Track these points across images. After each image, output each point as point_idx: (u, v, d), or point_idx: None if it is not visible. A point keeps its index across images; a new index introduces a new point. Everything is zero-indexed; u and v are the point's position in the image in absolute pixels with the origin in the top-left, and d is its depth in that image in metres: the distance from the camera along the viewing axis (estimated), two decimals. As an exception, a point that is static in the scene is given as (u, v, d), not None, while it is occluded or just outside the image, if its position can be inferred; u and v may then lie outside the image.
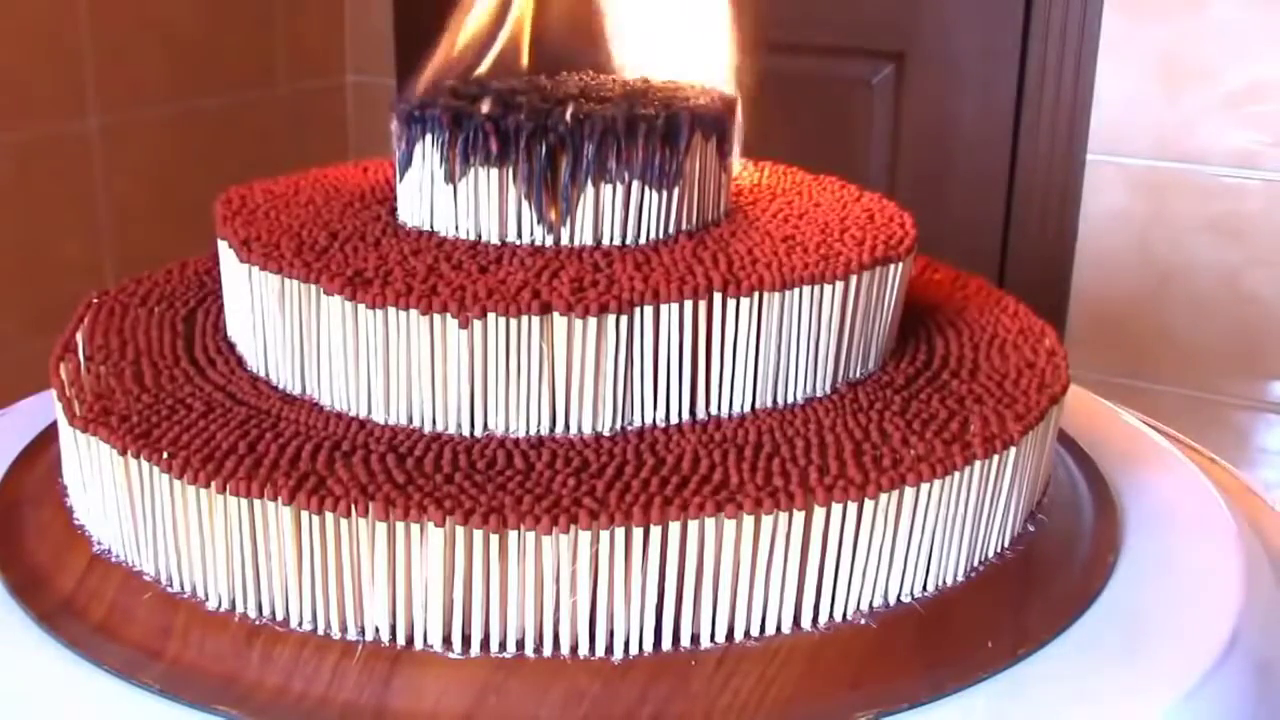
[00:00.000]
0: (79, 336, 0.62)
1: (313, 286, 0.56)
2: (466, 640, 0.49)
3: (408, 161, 0.63)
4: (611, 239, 0.61)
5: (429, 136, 0.61)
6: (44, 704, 0.50)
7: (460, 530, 0.48)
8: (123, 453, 0.53)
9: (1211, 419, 1.30)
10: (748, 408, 0.57)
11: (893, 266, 0.61)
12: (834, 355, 0.59)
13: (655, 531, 0.48)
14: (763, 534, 0.49)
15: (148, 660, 0.51)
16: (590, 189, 0.59)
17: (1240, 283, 1.27)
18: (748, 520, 0.49)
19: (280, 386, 0.59)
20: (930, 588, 0.54)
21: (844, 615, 0.52)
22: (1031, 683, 0.51)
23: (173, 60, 1.35)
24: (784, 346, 0.57)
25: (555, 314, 0.53)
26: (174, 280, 0.71)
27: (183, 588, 0.53)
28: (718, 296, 0.55)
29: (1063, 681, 0.52)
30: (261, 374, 0.60)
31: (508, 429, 0.55)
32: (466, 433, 0.55)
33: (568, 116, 0.59)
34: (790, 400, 0.58)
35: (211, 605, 0.52)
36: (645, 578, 0.49)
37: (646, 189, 0.60)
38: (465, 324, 0.53)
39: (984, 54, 1.37)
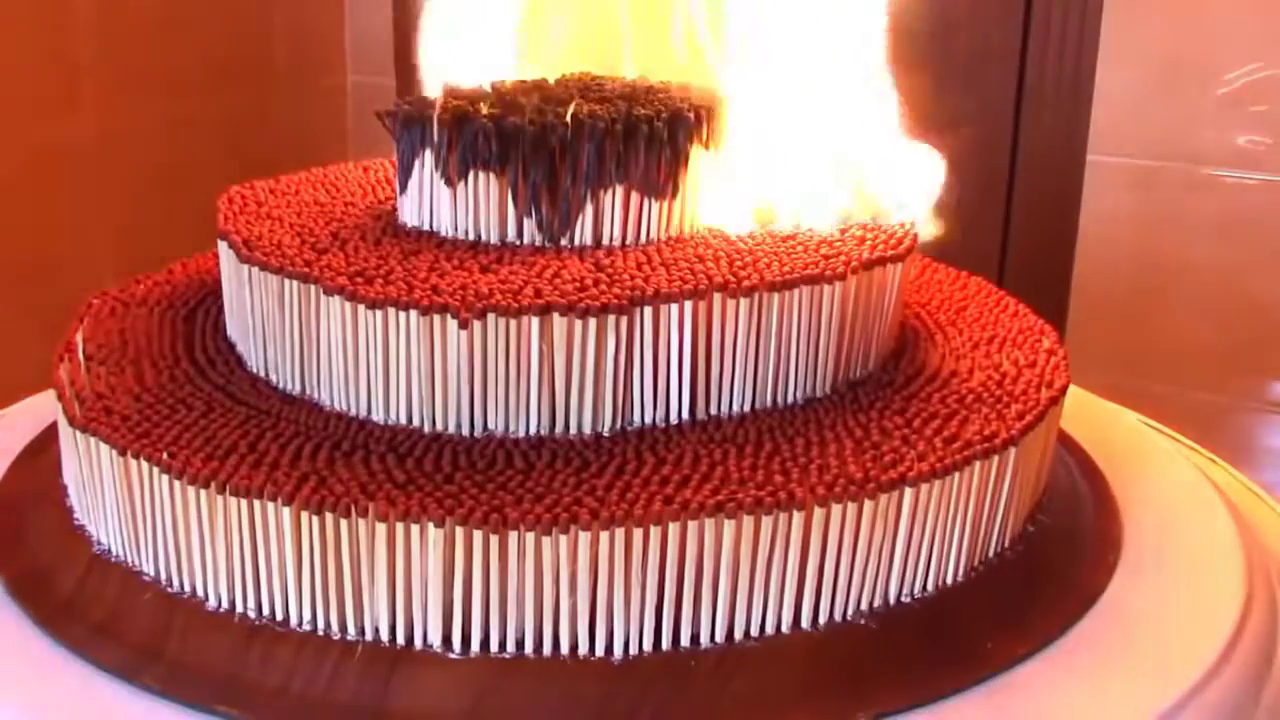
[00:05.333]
0: (79, 336, 0.62)
1: (313, 286, 0.56)
2: (466, 640, 0.49)
3: (408, 163, 0.63)
4: (612, 239, 0.61)
5: (429, 138, 0.61)
6: (44, 704, 0.50)
7: (460, 530, 0.48)
8: (123, 453, 0.53)
9: (1211, 419, 1.30)
10: (748, 408, 0.57)
11: (892, 266, 0.61)
12: (834, 355, 0.59)
13: (655, 531, 0.48)
14: (763, 534, 0.49)
15: (148, 660, 0.51)
16: (590, 190, 0.59)
17: (1240, 283, 1.27)
18: (748, 520, 0.49)
19: (280, 386, 0.59)
20: (930, 588, 0.54)
21: (844, 615, 0.52)
22: (1031, 683, 0.51)
23: (173, 60, 1.35)
24: (784, 346, 0.57)
25: (555, 314, 0.53)
26: (174, 280, 0.71)
27: (183, 588, 0.53)
28: (718, 296, 0.55)
29: (1063, 681, 0.52)
30: (261, 374, 0.60)
31: (508, 429, 0.55)
32: (466, 433, 0.55)
33: (568, 118, 0.59)
34: (790, 400, 0.58)
35: (211, 605, 0.52)
36: (645, 578, 0.48)
37: (647, 189, 0.60)
38: (465, 324, 0.53)
39: (984, 54, 1.37)
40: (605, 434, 0.55)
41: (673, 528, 0.48)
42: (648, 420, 0.56)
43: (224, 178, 0.70)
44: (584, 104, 0.61)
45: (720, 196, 0.63)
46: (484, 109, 0.60)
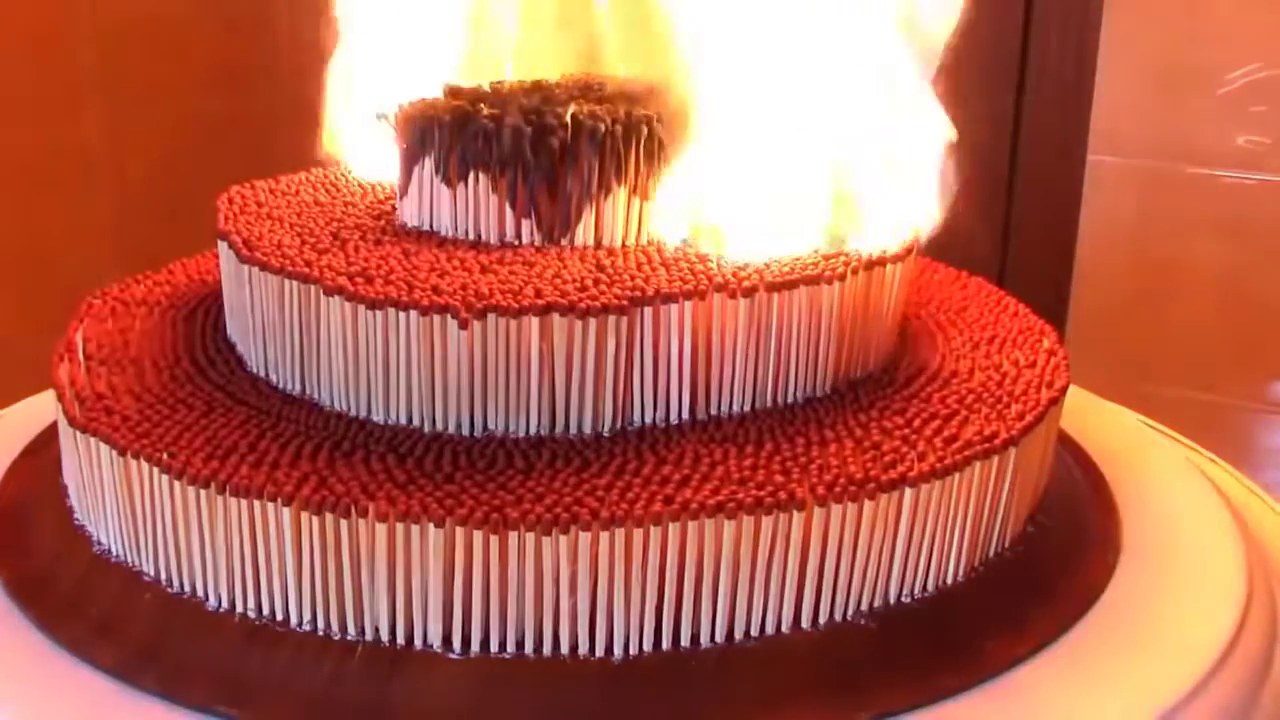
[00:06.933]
0: (79, 336, 0.62)
1: (313, 286, 0.56)
2: (466, 640, 0.49)
3: (409, 163, 0.63)
4: (612, 239, 0.61)
5: (429, 139, 0.61)
6: (44, 704, 0.50)
7: (460, 530, 0.48)
8: (122, 453, 0.53)
9: (1212, 419, 1.30)
10: (748, 408, 0.57)
11: (892, 266, 0.61)
12: (834, 355, 0.59)
13: (655, 531, 0.48)
14: (763, 534, 0.49)
15: (148, 660, 0.51)
16: (590, 191, 0.59)
17: (1240, 283, 1.27)
18: (748, 520, 0.49)
19: (280, 386, 0.59)
20: (930, 588, 0.54)
21: (844, 615, 0.52)
22: (1031, 683, 0.51)
23: (173, 60, 1.35)
24: (784, 346, 0.57)
25: (555, 314, 0.53)
26: (174, 280, 0.71)
27: (183, 588, 0.53)
28: (717, 296, 0.55)
29: (1063, 682, 0.52)
30: (261, 374, 0.60)
31: (508, 429, 0.55)
32: (466, 433, 0.55)
33: (567, 119, 0.59)
34: (790, 400, 0.58)
35: (211, 605, 0.52)
36: (645, 578, 0.48)
37: (648, 189, 0.60)
38: (465, 324, 0.53)
39: (984, 54, 1.37)
40: (605, 434, 0.55)
41: (673, 528, 0.48)
42: (648, 420, 0.56)
43: (224, 178, 0.70)
44: (584, 105, 0.61)
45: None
46: (484, 110, 0.60)
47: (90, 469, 0.56)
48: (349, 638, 0.50)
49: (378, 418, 0.56)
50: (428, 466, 0.52)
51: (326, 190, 0.69)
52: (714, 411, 0.57)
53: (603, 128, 0.59)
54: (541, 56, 0.70)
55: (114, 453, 0.53)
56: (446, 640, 0.49)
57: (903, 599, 0.53)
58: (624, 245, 0.60)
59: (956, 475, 0.52)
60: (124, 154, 1.33)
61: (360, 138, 0.71)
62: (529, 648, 0.49)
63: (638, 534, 0.48)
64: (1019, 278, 1.38)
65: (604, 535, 0.48)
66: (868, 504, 0.50)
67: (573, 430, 0.55)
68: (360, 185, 0.70)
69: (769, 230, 0.59)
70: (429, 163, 0.61)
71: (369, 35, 0.72)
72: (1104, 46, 1.28)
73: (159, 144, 1.36)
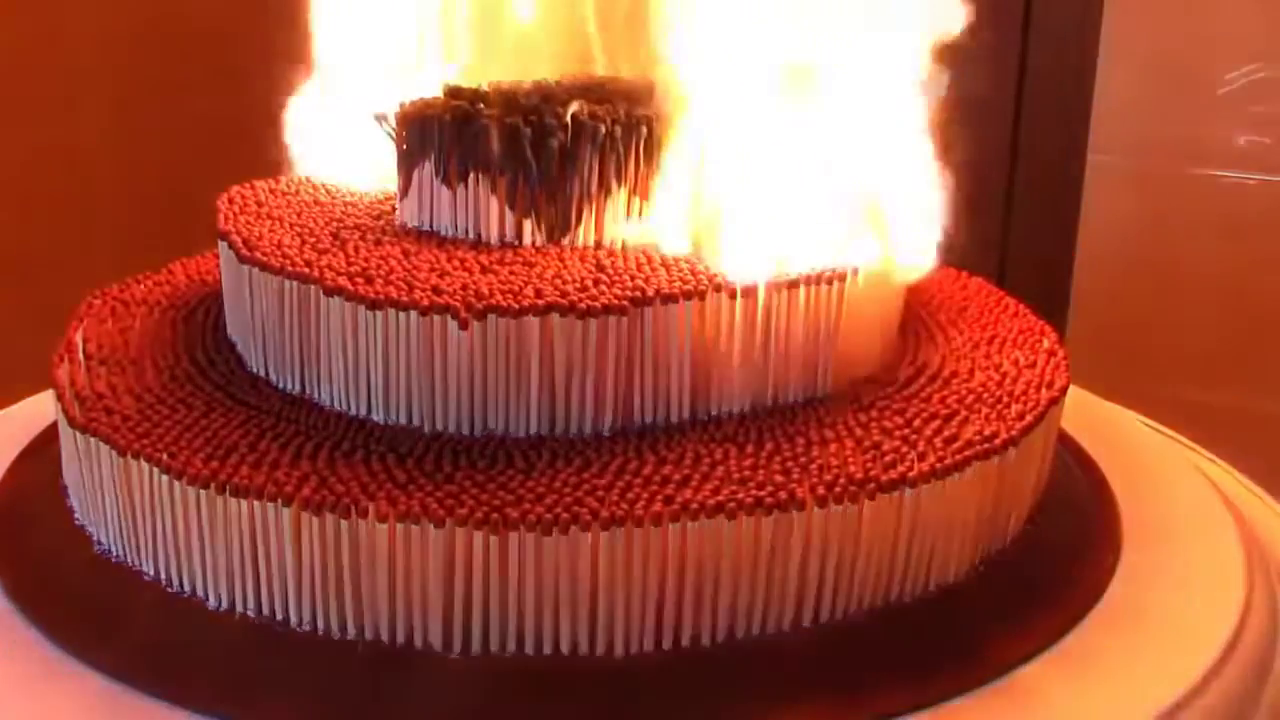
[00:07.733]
0: (79, 336, 0.62)
1: (313, 286, 0.56)
2: (466, 640, 0.49)
3: (409, 163, 0.63)
4: (612, 239, 0.60)
5: (430, 139, 0.61)
6: (44, 705, 0.50)
7: (460, 530, 0.48)
8: (122, 453, 0.53)
9: (1212, 419, 1.30)
10: (748, 407, 0.57)
11: (893, 266, 0.61)
12: (834, 355, 0.59)
13: (655, 531, 0.48)
14: (763, 534, 0.49)
15: (148, 660, 0.51)
16: (590, 191, 0.59)
17: (1240, 283, 1.27)
18: (747, 520, 0.49)
19: (280, 386, 0.59)
20: (931, 588, 0.54)
21: (844, 615, 0.52)
22: (1032, 683, 0.51)
23: (174, 59, 1.35)
24: (784, 346, 0.57)
25: (555, 314, 0.53)
26: (174, 280, 0.71)
27: (183, 588, 0.53)
28: (717, 297, 0.55)
29: (1064, 682, 0.51)
30: (261, 374, 0.60)
31: (508, 429, 0.55)
32: (466, 433, 0.55)
33: (568, 118, 0.59)
34: (790, 400, 0.58)
35: (211, 605, 0.52)
36: (645, 578, 0.48)
37: (648, 189, 0.60)
38: (465, 324, 0.53)
39: (984, 55, 1.37)
40: (605, 434, 0.55)
41: (673, 528, 0.48)
42: (648, 420, 0.56)
43: (224, 178, 0.70)
44: (585, 105, 0.61)
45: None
46: (485, 110, 0.60)
47: (90, 469, 0.56)
48: (349, 638, 0.50)
49: (378, 418, 0.56)
50: (428, 466, 0.52)
51: (326, 190, 0.69)
52: (714, 411, 0.57)
53: (603, 128, 0.59)
54: (541, 57, 0.70)
55: (114, 453, 0.53)
56: (446, 640, 0.49)
57: (903, 599, 0.53)
58: (625, 244, 0.60)
59: (956, 475, 0.52)
60: (124, 154, 1.33)
61: (337, 140, 0.71)
62: (529, 648, 0.49)
63: (638, 534, 0.48)
64: (1019, 278, 1.38)
65: (604, 535, 0.48)
66: (868, 504, 0.50)
67: (573, 430, 0.55)
68: (361, 186, 0.70)
69: (769, 236, 0.59)
70: (429, 163, 0.61)
71: (355, 35, 0.72)
72: (1104, 46, 1.28)
73: (159, 144, 1.36)
